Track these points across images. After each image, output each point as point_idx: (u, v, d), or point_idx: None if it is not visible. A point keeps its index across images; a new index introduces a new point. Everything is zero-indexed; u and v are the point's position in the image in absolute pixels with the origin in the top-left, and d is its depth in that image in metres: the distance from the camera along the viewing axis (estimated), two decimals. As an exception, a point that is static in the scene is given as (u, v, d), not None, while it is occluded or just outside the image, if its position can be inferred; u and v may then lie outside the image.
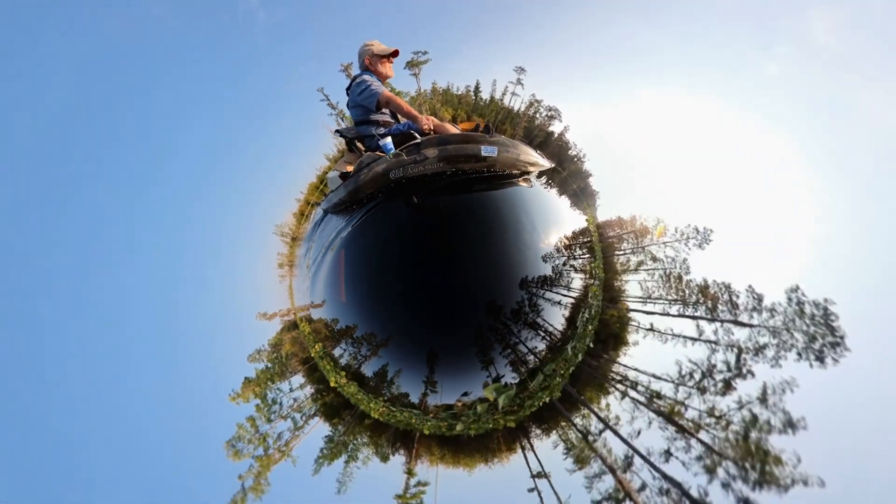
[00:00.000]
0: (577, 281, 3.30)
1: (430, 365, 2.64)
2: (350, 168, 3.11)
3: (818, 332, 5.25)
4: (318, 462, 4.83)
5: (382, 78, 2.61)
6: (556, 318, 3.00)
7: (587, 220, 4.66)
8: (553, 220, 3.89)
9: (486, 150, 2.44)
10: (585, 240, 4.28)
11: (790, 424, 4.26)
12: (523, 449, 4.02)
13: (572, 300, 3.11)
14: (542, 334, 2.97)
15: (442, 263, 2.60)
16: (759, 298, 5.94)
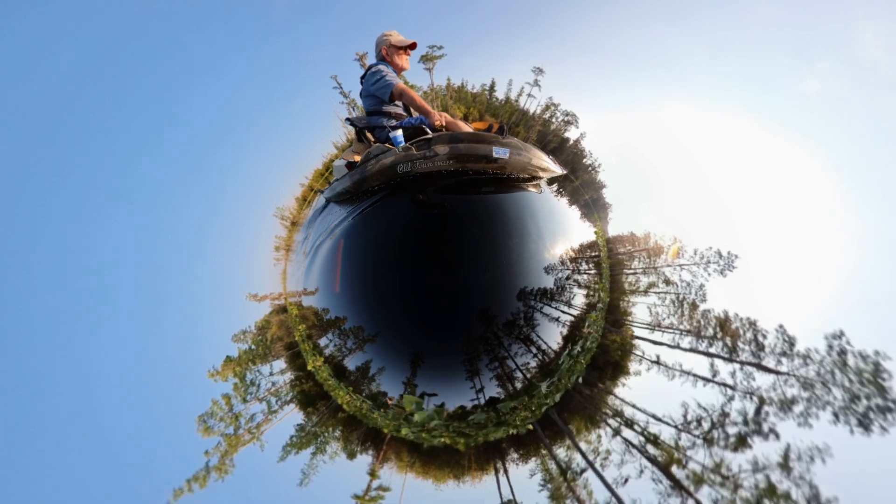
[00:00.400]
0: (580, 297, 3.17)
1: (413, 367, 2.61)
2: (357, 158, 3.07)
3: (864, 392, 4.31)
4: (286, 449, 4.78)
5: (398, 69, 2.59)
6: (551, 335, 2.83)
7: (596, 233, 4.41)
8: (561, 231, 3.74)
9: (498, 152, 2.40)
10: (593, 254, 4.07)
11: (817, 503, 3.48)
12: (497, 471, 3.68)
13: (572, 318, 2.97)
14: (534, 351, 2.83)
15: (440, 264, 2.57)
16: (791, 342, 4.98)
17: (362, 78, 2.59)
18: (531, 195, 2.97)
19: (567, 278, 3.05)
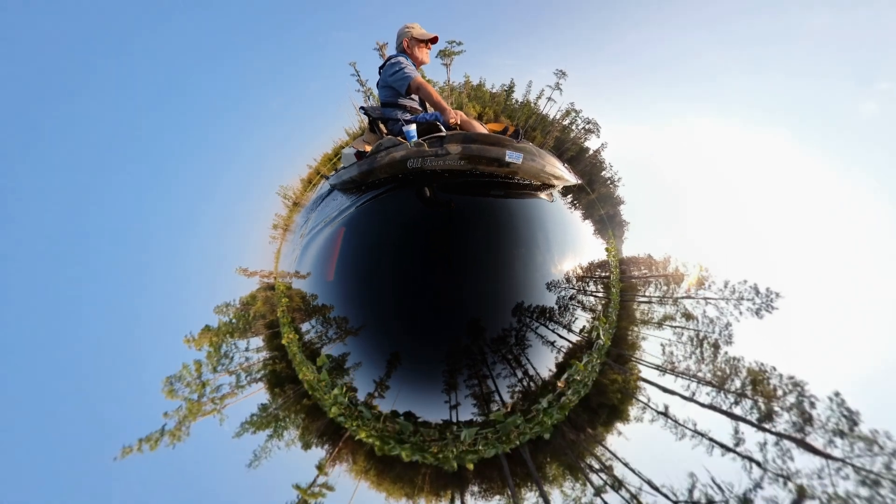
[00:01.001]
0: (581, 321, 2.88)
1: (389, 367, 2.55)
2: (368, 148, 3.00)
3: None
4: (244, 427, 4.69)
5: (417, 63, 2.54)
6: (542, 360, 2.60)
7: (608, 251, 4.11)
8: (571, 245, 3.50)
9: (511, 156, 2.33)
10: (603, 275, 3.75)
11: None
12: (452, 500, 3.29)
13: (568, 344, 2.71)
14: (519, 376, 2.55)
15: (438, 265, 2.47)
16: (853, 418, 3.70)
17: (381, 68, 2.55)
18: (543, 204, 2.85)
19: (571, 298, 2.83)
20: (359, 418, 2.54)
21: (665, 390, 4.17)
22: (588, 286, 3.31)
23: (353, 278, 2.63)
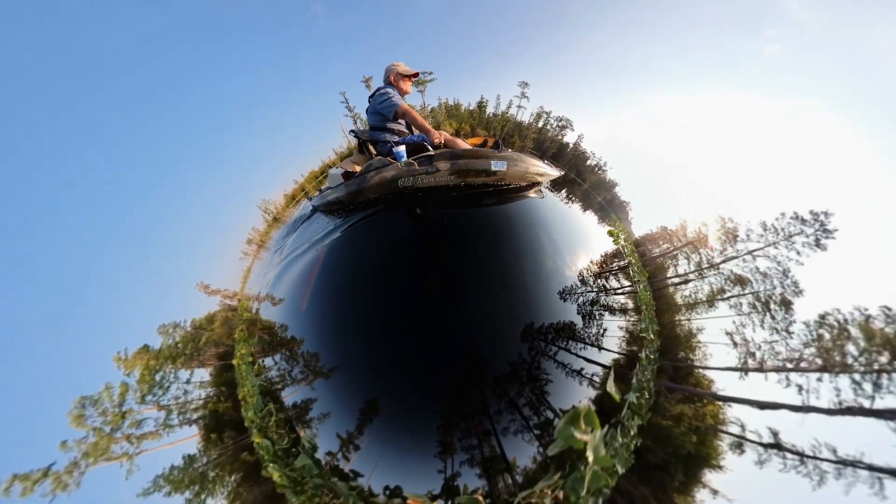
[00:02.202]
0: (614, 331, 2.31)
1: (362, 419, 1.98)
2: (356, 168, 3.08)
3: None
4: (157, 484, 3.75)
5: (402, 93, 2.85)
6: (567, 398, 1.94)
7: (610, 233, 3.65)
8: (580, 241, 3.36)
9: (496, 165, 2.50)
10: (621, 263, 3.39)
11: None
12: None
13: (602, 368, 2.07)
14: (533, 427, 1.80)
15: (431, 292, 2.06)
16: None
17: (370, 97, 2.84)
18: (540, 205, 2.87)
19: (592, 304, 2.36)
20: (321, 492, 1.88)
21: (761, 405, 2.65)
22: (609, 282, 2.93)
23: (330, 309, 2.25)
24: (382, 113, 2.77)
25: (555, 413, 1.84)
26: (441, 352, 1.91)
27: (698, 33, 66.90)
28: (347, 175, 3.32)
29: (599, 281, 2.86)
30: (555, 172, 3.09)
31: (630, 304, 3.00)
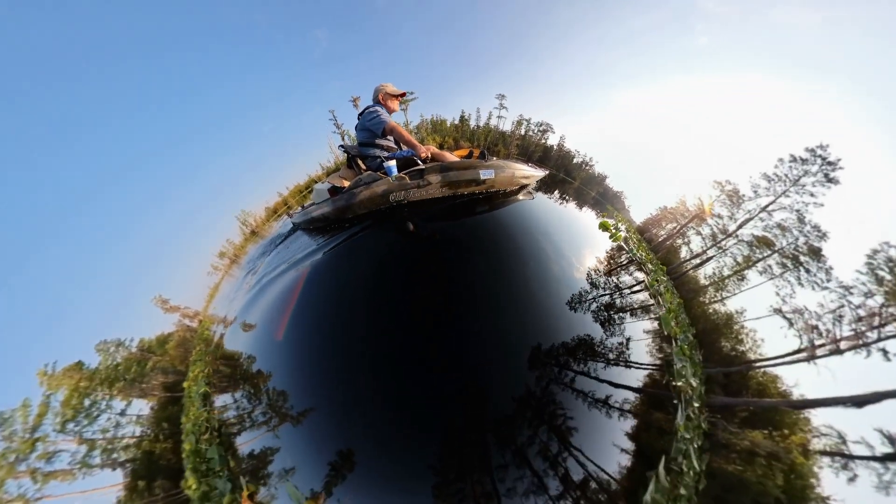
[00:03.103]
0: (640, 338, 1.99)
1: (332, 473, 1.61)
2: (344, 183, 3.07)
3: None
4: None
5: (390, 111, 3.01)
6: (594, 439, 1.48)
7: (602, 225, 3.48)
8: (583, 240, 3.31)
9: (485, 174, 2.63)
10: (630, 256, 3.37)
11: None
12: None
13: (633, 394, 1.68)
14: (554, 490, 1.37)
15: (428, 323, 1.73)
16: None
17: (360, 115, 2.98)
18: (535, 211, 2.91)
19: (608, 309, 2.05)
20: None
21: (857, 401, 1.84)
22: (621, 278, 2.79)
23: (310, 341, 1.97)
24: (371, 129, 2.88)
25: (580, 459, 1.38)
26: (444, 393, 1.53)
27: (645, 38, 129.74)
28: (335, 190, 3.25)
29: (611, 279, 2.75)
30: (539, 173, 3.34)
31: (650, 301, 2.92)
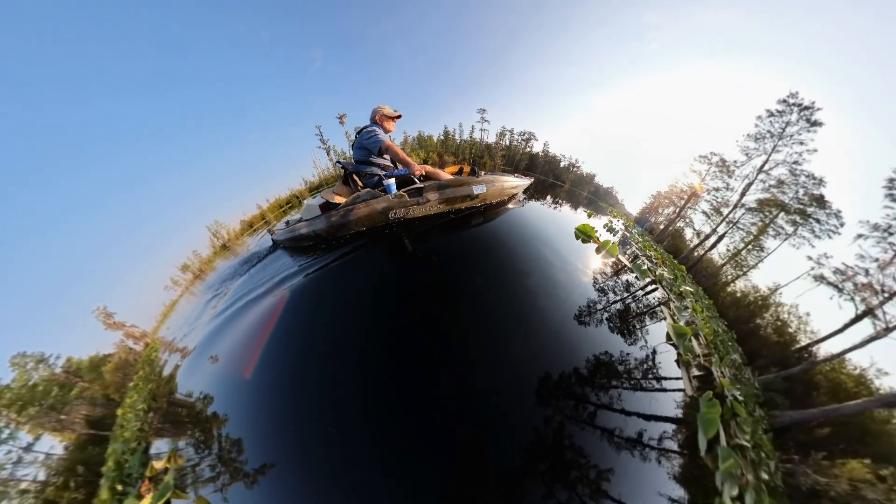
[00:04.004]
0: (668, 347, 1.74)
1: None
2: (339, 199, 3.08)
3: None
4: None
5: (386, 132, 3.16)
6: (631, 496, 1.11)
7: (579, 231, 3.35)
8: (585, 244, 3.07)
9: (478, 189, 2.84)
10: (634, 251, 3.46)
11: None
12: None
13: (671, 424, 1.36)
14: None
15: (427, 364, 1.47)
16: None
17: (357, 133, 3.11)
18: (531, 219, 2.95)
19: (626, 318, 1.86)
20: None
21: None
22: (623, 276, 2.72)
23: (287, 379, 1.70)
24: (368, 148, 3.00)
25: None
26: (436, 449, 1.22)
27: (605, 49, 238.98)
28: (327, 206, 3.14)
29: (621, 280, 2.67)
30: (526, 182, 3.64)
31: (673, 298, 2.88)
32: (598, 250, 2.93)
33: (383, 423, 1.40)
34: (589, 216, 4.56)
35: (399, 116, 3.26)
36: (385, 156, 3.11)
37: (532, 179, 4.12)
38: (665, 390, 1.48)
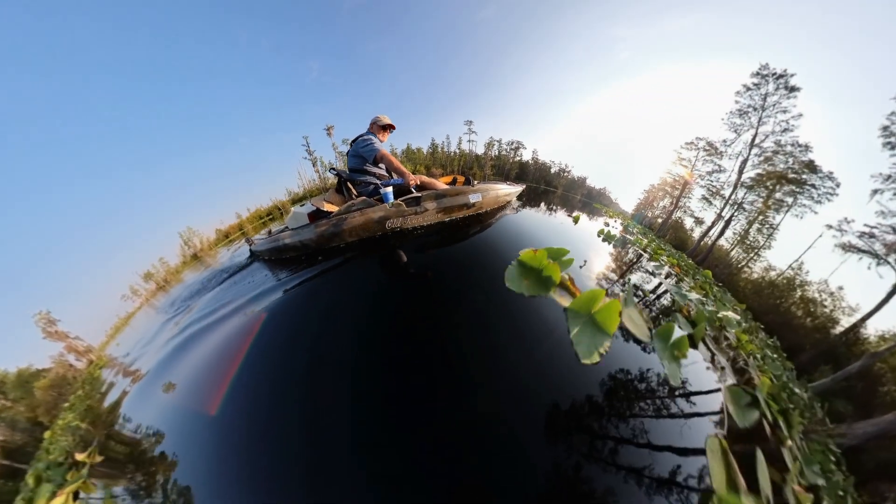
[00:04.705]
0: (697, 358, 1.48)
1: None
2: (330, 207, 3.05)
3: None
4: None
5: (381, 141, 3.23)
6: None
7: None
8: (586, 245, 3.25)
9: (474, 198, 2.88)
10: (639, 249, 3.47)
11: None
12: None
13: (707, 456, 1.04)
14: None
15: (422, 395, 1.26)
16: None
17: (352, 142, 3.14)
18: (528, 230, 2.95)
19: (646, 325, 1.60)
20: None
21: None
22: (642, 275, 2.80)
23: (252, 417, 1.47)
24: (363, 156, 3.03)
25: None
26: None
27: (581, 61, 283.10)
28: (317, 214, 3.02)
29: (629, 279, 2.64)
30: (518, 189, 3.76)
31: (691, 295, 2.77)
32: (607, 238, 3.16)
33: (377, 477, 1.20)
34: (575, 221, 4.34)
35: (393, 127, 3.33)
36: (380, 165, 3.12)
37: (524, 186, 4.30)
38: (700, 415, 1.23)
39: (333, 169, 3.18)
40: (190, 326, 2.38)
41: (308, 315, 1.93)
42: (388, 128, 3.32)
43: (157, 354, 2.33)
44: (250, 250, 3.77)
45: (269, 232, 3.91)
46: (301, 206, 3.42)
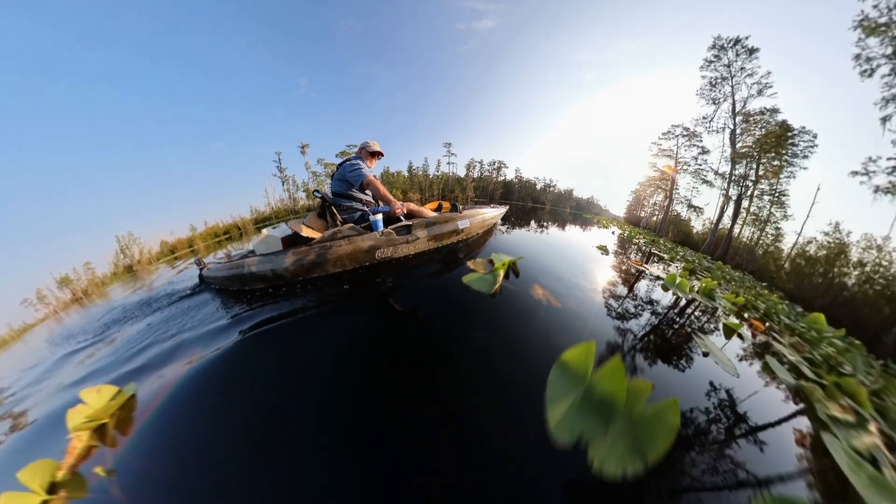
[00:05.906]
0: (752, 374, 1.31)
1: None
2: (309, 232, 2.84)
3: None
4: None
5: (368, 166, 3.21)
6: None
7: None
8: (584, 259, 3.21)
9: (462, 224, 2.90)
10: (646, 251, 3.49)
11: None
12: None
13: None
14: None
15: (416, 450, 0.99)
16: None
17: (339, 165, 3.05)
18: (522, 247, 2.95)
19: (671, 342, 1.53)
20: None
21: None
22: (647, 280, 2.82)
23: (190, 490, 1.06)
24: (349, 181, 2.94)
25: None
26: None
27: (552, 84, 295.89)
28: (295, 239, 2.76)
29: (634, 288, 2.61)
30: (502, 210, 3.85)
31: (722, 306, 2.72)
32: (665, 288, 2.76)
33: None
34: (603, 252, 3.82)
35: (381, 154, 3.30)
36: (366, 191, 3.04)
37: (507, 207, 4.47)
38: (760, 440, 1.01)
39: (318, 191, 2.95)
40: (101, 373, 1.90)
41: (266, 369, 1.57)
42: (377, 154, 3.28)
43: (56, 397, 1.80)
44: (201, 275, 3.07)
45: (228, 255, 3.48)
46: (273, 228, 3.04)
